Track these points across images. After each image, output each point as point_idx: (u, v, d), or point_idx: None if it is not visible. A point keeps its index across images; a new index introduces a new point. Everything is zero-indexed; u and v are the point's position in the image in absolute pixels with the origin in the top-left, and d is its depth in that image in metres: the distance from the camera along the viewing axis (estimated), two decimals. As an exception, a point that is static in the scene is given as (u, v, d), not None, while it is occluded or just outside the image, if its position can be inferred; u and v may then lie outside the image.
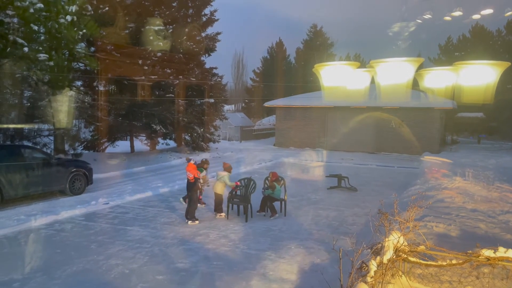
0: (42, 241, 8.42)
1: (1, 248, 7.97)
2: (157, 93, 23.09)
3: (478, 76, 4.12)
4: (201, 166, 11.65)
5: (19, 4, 14.17)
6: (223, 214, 10.37)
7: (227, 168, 10.82)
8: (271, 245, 8.13)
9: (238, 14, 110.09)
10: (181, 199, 11.84)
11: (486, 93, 4.07)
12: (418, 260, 5.31)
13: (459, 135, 37.92)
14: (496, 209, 10.39)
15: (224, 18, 28.54)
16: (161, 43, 20.69)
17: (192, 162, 10.37)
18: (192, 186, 10.07)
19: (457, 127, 38.40)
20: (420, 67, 4.72)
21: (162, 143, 25.94)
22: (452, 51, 46.29)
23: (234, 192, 10.63)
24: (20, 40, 14.44)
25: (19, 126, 16.47)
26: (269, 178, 10.91)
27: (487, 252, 4.95)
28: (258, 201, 10.80)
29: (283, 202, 10.69)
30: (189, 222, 9.70)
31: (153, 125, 22.06)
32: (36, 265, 7.01)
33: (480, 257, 4.95)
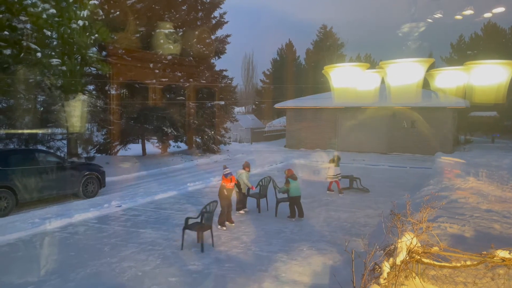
0: (56, 244, 8.53)
1: (17, 251, 8.10)
2: (168, 96, 23.25)
3: (489, 76, 4.06)
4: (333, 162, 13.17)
5: (32, 10, 14.39)
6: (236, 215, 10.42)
7: (247, 166, 10.95)
8: (283, 247, 8.13)
9: (248, 16, 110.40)
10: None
11: (498, 93, 4.02)
12: (432, 262, 5.25)
13: (473, 134, 37.43)
14: (511, 209, 10.22)
15: (234, 21, 28.69)
16: (171, 47, 20.83)
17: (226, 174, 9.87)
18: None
19: (470, 126, 37.91)
20: (432, 66, 4.68)
21: (173, 146, 26.08)
22: (464, 49, 45.80)
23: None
24: (33, 46, 14.66)
25: (33, 130, 16.69)
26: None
27: (502, 253, 4.88)
28: (270, 202, 10.81)
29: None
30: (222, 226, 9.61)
31: (164, 128, 22.20)
32: (50, 268, 7.11)
33: (495, 258, 4.88)
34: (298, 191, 10.34)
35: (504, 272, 5.10)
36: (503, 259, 4.83)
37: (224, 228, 9.50)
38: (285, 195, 10.61)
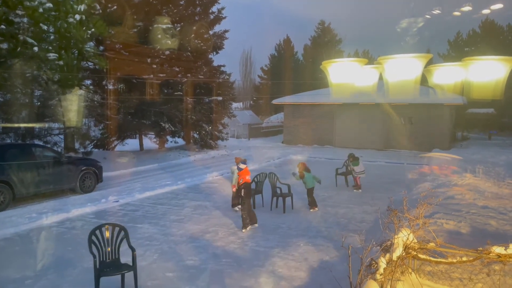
0: (54, 238, 8.52)
1: (14, 246, 8.08)
2: (165, 91, 23.19)
3: (487, 72, 4.07)
4: (354, 160, 13.10)
5: (28, 4, 14.31)
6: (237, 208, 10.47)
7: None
8: (279, 243, 8.14)
9: (246, 12, 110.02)
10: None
11: (496, 89, 4.03)
12: (428, 257, 5.28)
13: (470, 131, 37.52)
14: (507, 205, 10.28)
15: (232, 16, 28.58)
16: (169, 42, 20.76)
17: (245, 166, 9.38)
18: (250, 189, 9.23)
19: (467, 123, 37.99)
20: (429, 63, 4.69)
21: (171, 141, 26.06)
22: (462, 46, 45.79)
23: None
24: (30, 40, 14.59)
25: (30, 125, 16.64)
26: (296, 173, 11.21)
27: (498, 249, 4.90)
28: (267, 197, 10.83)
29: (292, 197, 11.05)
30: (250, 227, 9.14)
31: (161, 123, 22.17)
32: (47, 263, 7.10)
33: (491, 254, 4.90)
34: (313, 182, 11.00)
35: (499, 268, 5.13)
36: (499, 255, 4.86)
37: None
38: (279, 191, 10.98)
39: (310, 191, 10.98)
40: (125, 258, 7.13)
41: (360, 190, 13.22)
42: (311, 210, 10.84)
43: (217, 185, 14.28)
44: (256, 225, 9.23)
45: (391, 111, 25.24)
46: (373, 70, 4.98)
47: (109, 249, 5.98)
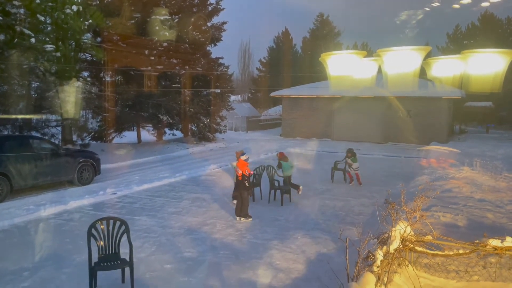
0: (51, 230, 8.53)
1: (11, 237, 8.08)
2: (163, 83, 23.10)
3: (486, 65, 4.06)
4: (352, 156, 12.96)
5: (25, -6, 14.21)
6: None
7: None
8: (277, 235, 8.17)
9: (244, 3, 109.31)
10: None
11: (495, 82, 4.03)
12: (424, 250, 5.31)
13: (468, 124, 37.57)
14: (504, 199, 10.33)
15: (230, 8, 28.44)
16: (167, 33, 20.65)
17: (244, 158, 9.46)
18: (240, 184, 9.28)
19: (465, 116, 38.03)
20: (428, 55, 4.67)
21: (169, 134, 26.01)
22: (460, 39, 45.70)
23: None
24: (27, 31, 14.48)
25: (27, 116, 16.57)
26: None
27: (494, 242, 4.94)
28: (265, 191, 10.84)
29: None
30: (242, 219, 9.15)
31: (159, 115, 22.12)
32: (45, 254, 7.11)
33: (487, 247, 4.94)
34: (288, 171, 11.38)
35: (495, 261, 5.17)
36: (495, 248, 4.89)
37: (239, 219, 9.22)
38: (277, 184, 11.13)
39: (287, 179, 11.33)
40: (123, 249, 7.14)
41: (361, 184, 13.16)
42: (299, 192, 11.31)
43: (215, 177, 14.29)
44: (237, 218, 9.27)
45: (396, 103, 25.19)
46: (372, 63, 4.96)
47: (109, 243, 5.92)
